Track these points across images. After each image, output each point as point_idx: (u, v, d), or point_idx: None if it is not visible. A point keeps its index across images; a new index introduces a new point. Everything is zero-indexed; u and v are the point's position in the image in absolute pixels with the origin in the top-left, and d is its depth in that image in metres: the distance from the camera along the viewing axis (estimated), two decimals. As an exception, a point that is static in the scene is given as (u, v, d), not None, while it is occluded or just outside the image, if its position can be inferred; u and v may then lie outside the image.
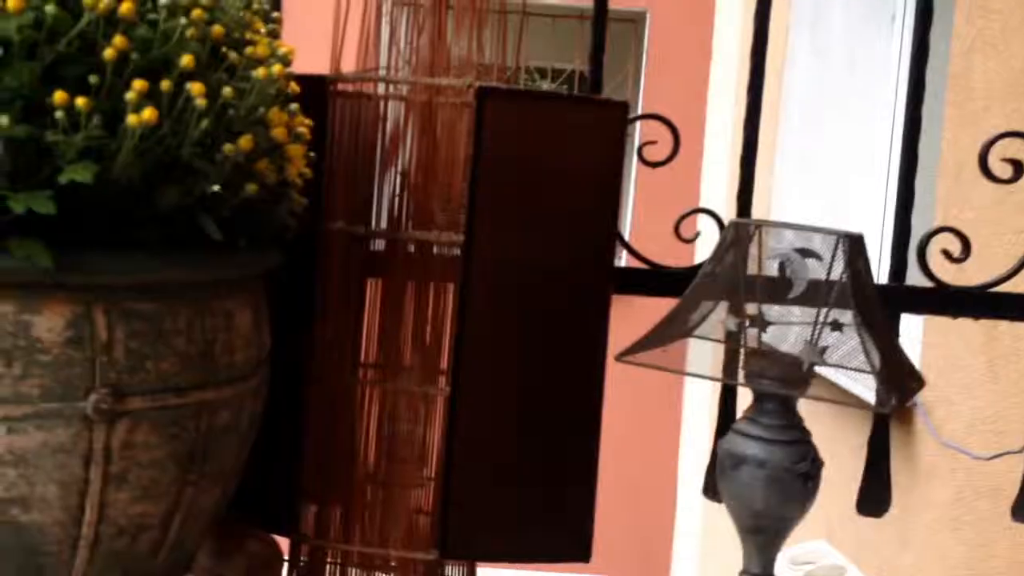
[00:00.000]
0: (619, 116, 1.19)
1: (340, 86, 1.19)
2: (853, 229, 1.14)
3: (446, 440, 1.18)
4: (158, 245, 0.93)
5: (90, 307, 0.89)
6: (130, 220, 0.92)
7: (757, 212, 1.43)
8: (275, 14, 1.05)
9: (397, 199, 1.20)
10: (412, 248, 1.20)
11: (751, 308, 1.15)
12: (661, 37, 6.45)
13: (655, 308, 1.22)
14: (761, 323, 1.14)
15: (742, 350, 1.15)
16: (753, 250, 1.16)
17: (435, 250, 1.20)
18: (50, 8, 0.81)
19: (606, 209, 1.20)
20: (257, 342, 1.06)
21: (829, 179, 4.26)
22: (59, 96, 0.81)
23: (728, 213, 1.31)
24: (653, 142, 1.31)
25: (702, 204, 5.51)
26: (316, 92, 1.16)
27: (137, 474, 0.94)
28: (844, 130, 4.17)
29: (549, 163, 1.18)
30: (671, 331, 1.17)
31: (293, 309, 1.19)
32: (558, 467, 1.21)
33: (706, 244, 1.36)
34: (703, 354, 1.17)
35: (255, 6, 1.01)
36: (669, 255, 1.37)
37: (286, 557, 1.24)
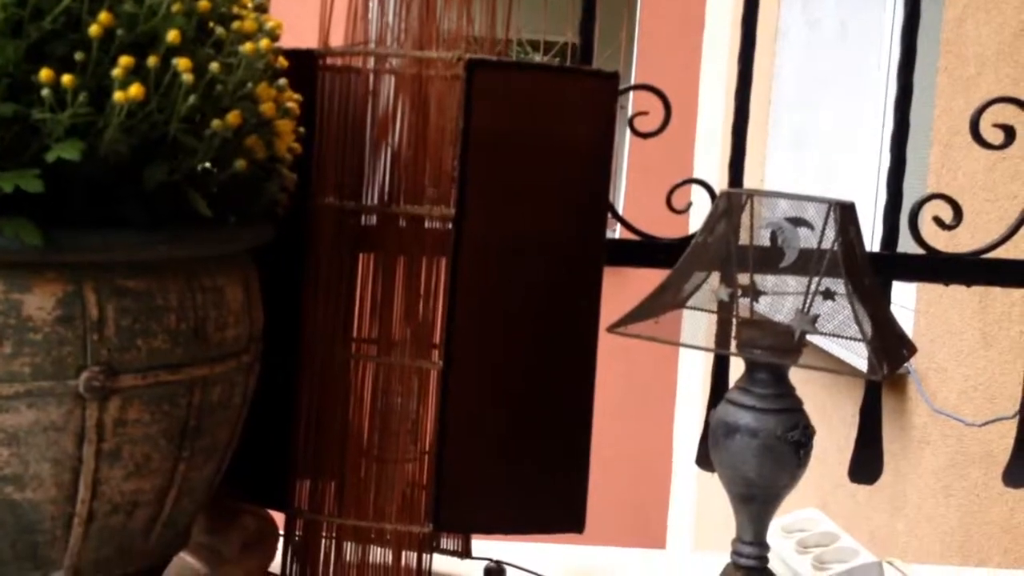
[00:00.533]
0: (610, 87, 1.19)
1: (329, 60, 1.18)
2: (845, 198, 1.14)
3: (439, 414, 1.18)
4: (147, 222, 0.93)
5: (81, 285, 0.89)
6: (118, 197, 0.92)
7: (750, 183, 1.43)
8: (259, -11, 1.04)
9: (388, 173, 1.19)
10: (404, 222, 1.20)
11: (743, 278, 1.15)
12: (653, 8, 6.42)
13: (648, 279, 1.23)
14: (753, 293, 1.14)
15: (734, 320, 1.15)
16: (745, 219, 1.16)
17: (427, 224, 1.20)
18: (33, -16, 0.80)
19: (598, 180, 1.20)
20: (249, 318, 1.06)
21: (822, 149, 4.25)
22: (45, 74, 0.81)
23: (721, 184, 1.31)
24: (644, 113, 1.31)
25: (695, 175, 5.49)
26: (305, 67, 1.16)
27: (130, 451, 0.94)
28: (837, 100, 4.16)
29: (540, 135, 1.17)
30: (663, 302, 1.17)
31: (286, 285, 1.19)
32: (551, 439, 1.21)
33: (699, 215, 1.36)
34: (695, 325, 1.17)
35: (240, -20, 1.00)
36: (662, 226, 1.37)
37: (281, 531, 1.25)
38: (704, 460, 1.34)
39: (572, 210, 1.20)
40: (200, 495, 1.05)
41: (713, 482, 1.23)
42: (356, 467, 1.21)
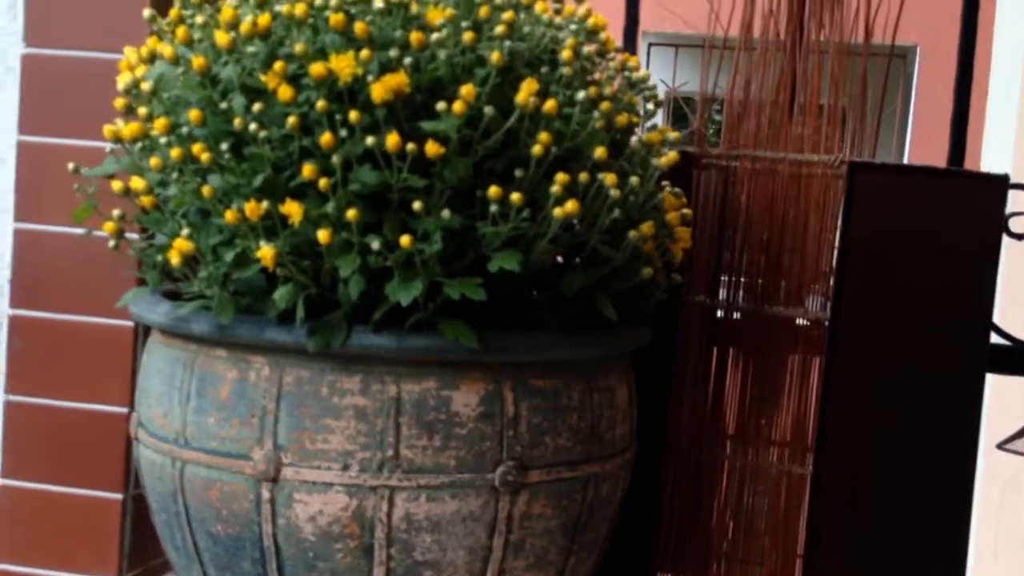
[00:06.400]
0: (997, 190, 1.14)
1: (705, 160, 1.20)
2: None
3: (808, 519, 1.16)
4: (555, 325, 0.98)
5: (500, 384, 0.94)
6: (534, 301, 0.97)
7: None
8: (657, 96, 1.08)
9: (759, 272, 1.20)
10: (774, 322, 1.19)
11: None
12: (931, 72, 6.15)
13: None
14: None
15: None
16: None
17: (796, 323, 1.19)
18: (488, 109, 0.87)
19: (982, 285, 1.15)
20: (631, 416, 1.08)
21: None
22: (494, 191, 0.86)
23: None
24: (1021, 213, 1.25)
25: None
26: (684, 167, 1.18)
27: (532, 543, 0.98)
28: None
29: (921, 237, 1.14)
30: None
31: (651, 381, 1.21)
32: (925, 552, 1.16)
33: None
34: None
35: (647, 93, 1.04)
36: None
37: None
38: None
39: (953, 315, 1.15)
40: (580, 587, 1.08)
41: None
42: (718, 567, 1.21)
